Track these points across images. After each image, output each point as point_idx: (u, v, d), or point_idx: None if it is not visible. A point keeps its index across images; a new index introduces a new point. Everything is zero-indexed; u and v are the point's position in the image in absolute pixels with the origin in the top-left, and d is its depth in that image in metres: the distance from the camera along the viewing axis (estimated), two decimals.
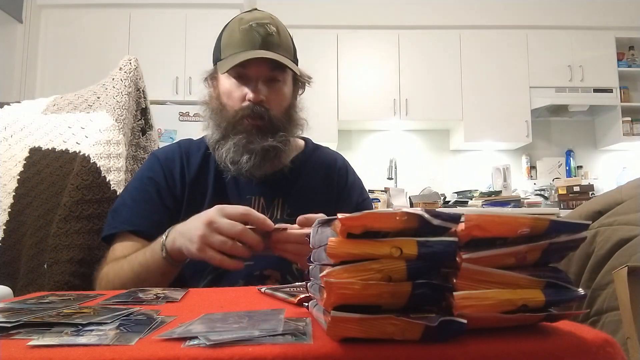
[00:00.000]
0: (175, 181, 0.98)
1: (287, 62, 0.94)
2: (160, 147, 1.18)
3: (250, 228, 0.74)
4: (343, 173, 1.09)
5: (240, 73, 0.95)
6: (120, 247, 0.91)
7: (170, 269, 0.82)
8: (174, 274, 0.85)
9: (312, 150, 1.11)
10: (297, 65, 1.02)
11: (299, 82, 1.05)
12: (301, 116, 1.04)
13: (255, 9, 1.00)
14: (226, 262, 0.73)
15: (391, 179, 4.17)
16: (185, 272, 0.94)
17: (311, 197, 1.02)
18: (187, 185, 0.98)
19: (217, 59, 0.99)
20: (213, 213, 0.74)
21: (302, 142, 1.11)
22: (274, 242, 0.75)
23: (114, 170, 1.07)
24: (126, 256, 0.87)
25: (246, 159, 0.93)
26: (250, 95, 0.93)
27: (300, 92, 1.06)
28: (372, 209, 1.17)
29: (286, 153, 0.99)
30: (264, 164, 0.95)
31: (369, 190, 1.29)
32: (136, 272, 0.82)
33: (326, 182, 1.06)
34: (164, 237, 0.80)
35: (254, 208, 0.96)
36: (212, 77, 1.02)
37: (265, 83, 0.95)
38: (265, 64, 0.93)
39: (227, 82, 0.97)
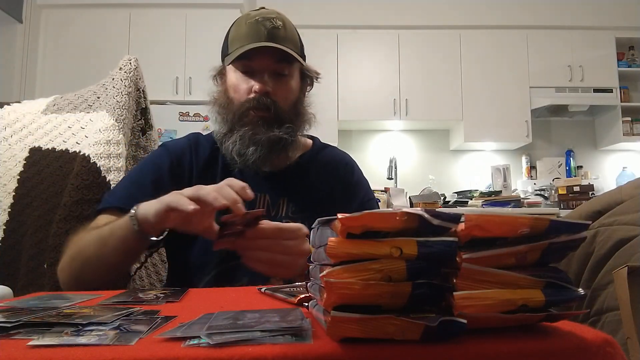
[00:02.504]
0: (183, 172, 0.98)
1: (292, 53, 0.94)
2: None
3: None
4: (349, 171, 1.09)
5: (247, 66, 0.95)
6: (103, 219, 0.89)
7: (135, 241, 0.78)
8: (139, 251, 0.83)
9: (320, 149, 1.11)
10: (304, 61, 1.02)
11: (307, 77, 1.05)
12: (309, 112, 1.04)
13: (263, 7, 1.01)
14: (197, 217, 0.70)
15: (391, 179, 4.17)
16: (191, 266, 0.94)
17: (317, 196, 1.01)
18: (195, 178, 0.97)
19: (224, 54, 1.00)
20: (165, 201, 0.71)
21: (309, 141, 1.11)
22: (248, 239, 0.71)
23: (114, 170, 1.07)
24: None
25: (252, 151, 0.93)
26: (256, 86, 0.93)
27: (308, 89, 1.06)
28: (377, 209, 1.16)
29: (293, 147, 1.00)
30: (270, 157, 0.95)
31: None
32: (103, 237, 0.80)
33: (332, 181, 1.05)
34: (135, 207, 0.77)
35: (258, 205, 0.97)
36: (220, 74, 1.02)
37: (271, 76, 0.95)
38: (270, 56, 0.94)
39: (233, 76, 0.97)
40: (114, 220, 0.84)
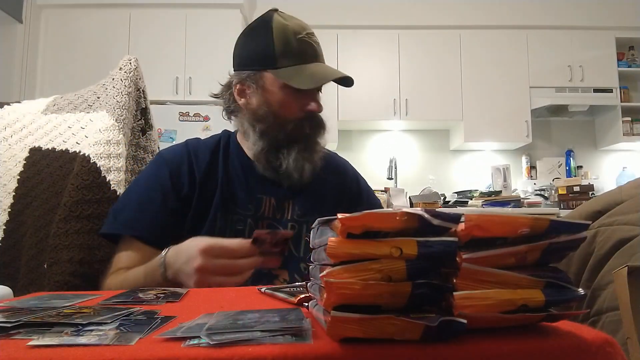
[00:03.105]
0: (183, 180, 0.97)
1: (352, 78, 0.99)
2: (160, 147, 1.18)
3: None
4: (352, 177, 1.14)
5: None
6: (125, 256, 0.91)
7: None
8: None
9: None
10: None
11: None
12: None
13: (276, 9, 1.02)
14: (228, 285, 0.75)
15: (391, 179, 4.17)
16: None
17: (321, 200, 1.04)
18: (197, 184, 0.97)
19: (268, 64, 0.96)
20: (201, 260, 0.73)
21: None
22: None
23: (114, 170, 1.07)
24: (129, 267, 0.88)
25: (309, 167, 0.97)
26: (314, 106, 0.97)
27: None
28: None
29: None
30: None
31: None
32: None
33: (337, 185, 1.09)
34: (162, 268, 0.81)
35: (265, 208, 0.99)
36: (254, 81, 0.98)
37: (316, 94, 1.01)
38: None
39: (281, 91, 0.96)
40: (139, 261, 0.88)
